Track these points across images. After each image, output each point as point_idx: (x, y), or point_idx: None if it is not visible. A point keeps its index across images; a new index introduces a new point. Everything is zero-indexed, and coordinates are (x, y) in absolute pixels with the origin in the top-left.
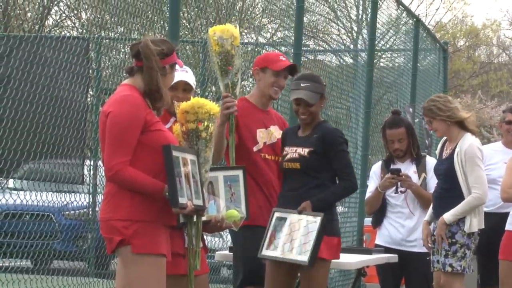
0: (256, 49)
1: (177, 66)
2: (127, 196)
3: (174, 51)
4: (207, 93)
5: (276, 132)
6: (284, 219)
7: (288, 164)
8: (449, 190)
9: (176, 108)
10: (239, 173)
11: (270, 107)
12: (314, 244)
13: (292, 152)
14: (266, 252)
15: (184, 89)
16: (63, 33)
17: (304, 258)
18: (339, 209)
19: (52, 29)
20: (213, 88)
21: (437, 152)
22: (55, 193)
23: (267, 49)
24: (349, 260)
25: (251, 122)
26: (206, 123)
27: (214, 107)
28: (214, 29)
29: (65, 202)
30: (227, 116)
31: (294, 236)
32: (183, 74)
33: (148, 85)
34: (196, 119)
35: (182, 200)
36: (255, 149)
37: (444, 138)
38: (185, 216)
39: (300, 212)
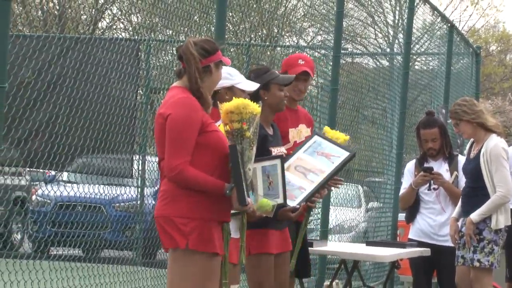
0: (297, 52)
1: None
2: (185, 194)
3: (218, 50)
4: None
5: (304, 130)
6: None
7: None
8: (476, 189)
9: (220, 108)
10: (277, 162)
11: (298, 106)
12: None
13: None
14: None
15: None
16: (115, 35)
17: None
18: (375, 204)
19: (105, 31)
20: None
21: (465, 152)
22: (105, 186)
23: (308, 51)
24: (384, 253)
25: (282, 121)
26: (249, 123)
27: (256, 108)
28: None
29: (115, 195)
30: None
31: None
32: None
33: (190, 85)
34: (240, 119)
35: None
36: (286, 147)
37: (472, 139)
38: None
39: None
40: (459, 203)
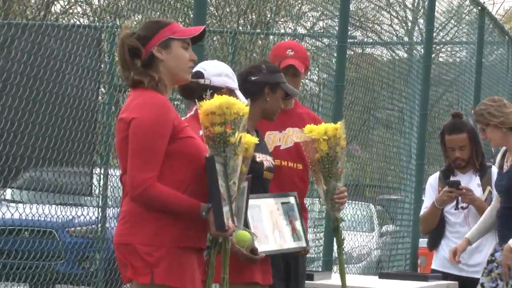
0: (295, 41)
1: None
2: (152, 216)
3: (161, 28)
4: None
5: (296, 135)
6: (258, 206)
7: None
8: None
9: (199, 108)
10: (245, 184)
11: (294, 106)
12: (302, 225)
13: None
14: (260, 247)
15: None
16: (71, 21)
17: (301, 243)
18: (390, 227)
19: (59, 17)
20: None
21: (496, 165)
22: (58, 206)
23: (307, 41)
24: (402, 287)
25: (261, 124)
26: (234, 126)
27: (243, 108)
28: (324, 128)
29: (70, 217)
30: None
31: (279, 222)
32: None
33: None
34: (224, 122)
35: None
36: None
37: (504, 148)
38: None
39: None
40: (479, 222)
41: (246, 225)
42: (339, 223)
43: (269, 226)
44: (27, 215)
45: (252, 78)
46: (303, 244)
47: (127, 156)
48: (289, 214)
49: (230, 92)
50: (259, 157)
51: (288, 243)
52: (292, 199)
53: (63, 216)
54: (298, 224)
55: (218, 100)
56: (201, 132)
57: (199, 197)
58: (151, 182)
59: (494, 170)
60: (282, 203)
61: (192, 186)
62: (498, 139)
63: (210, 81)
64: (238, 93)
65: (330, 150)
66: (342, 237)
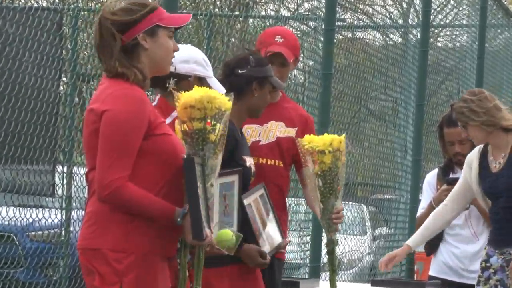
0: (277, 24)
1: None
2: (123, 219)
3: (150, 12)
4: None
5: (279, 130)
6: (250, 205)
7: None
8: None
9: (176, 100)
10: (235, 178)
11: (280, 99)
12: (275, 216)
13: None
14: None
15: None
16: (29, 3)
17: (281, 236)
18: (384, 230)
19: None
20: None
21: (474, 166)
22: (17, 207)
23: (291, 24)
24: None
25: None
26: (214, 122)
27: (226, 102)
28: (329, 140)
29: (30, 220)
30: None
31: (264, 218)
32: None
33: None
34: (204, 117)
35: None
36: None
37: (479, 147)
38: (182, 244)
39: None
40: (423, 228)
41: (243, 227)
42: (335, 245)
43: (259, 225)
44: None
45: (240, 71)
46: (281, 237)
47: (95, 151)
48: (266, 207)
49: (200, 80)
50: (248, 161)
51: (276, 239)
52: (262, 190)
53: (23, 219)
54: (272, 216)
55: (198, 92)
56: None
57: (172, 200)
58: (122, 182)
59: None
60: (260, 197)
61: (165, 188)
62: (481, 137)
63: (175, 68)
64: (212, 81)
65: (332, 165)
66: (338, 262)
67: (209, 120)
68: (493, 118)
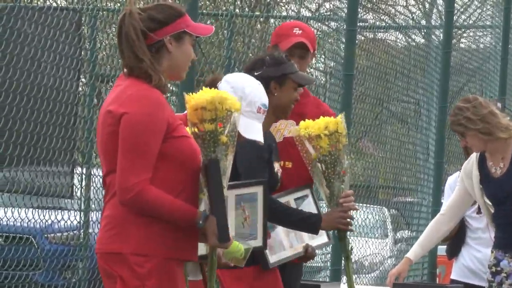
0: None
1: None
2: (143, 223)
3: (179, 17)
4: None
5: (287, 129)
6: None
7: None
8: None
9: (186, 102)
10: (259, 190)
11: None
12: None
13: None
14: (274, 258)
15: None
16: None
17: (324, 238)
18: (405, 233)
19: None
20: None
21: (474, 174)
22: (36, 209)
23: (312, 25)
24: None
25: None
26: (225, 123)
27: (235, 103)
28: (325, 122)
29: (49, 222)
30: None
31: None
32: None
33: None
34: (215, 118)
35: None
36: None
37: (474, 155)
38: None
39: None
40: (422, 239)
41: (264, 233)
42: (349, 253)
43: (283, 230)
44: (1, 220)
45: (256, 74)
46: (325, 239)
47: (113, 154)
48: (305, 209)
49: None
50: (276, 167)
51: (309, 242)
52: (307, 192)
53: (42, 221)
54: None
55: (209, 93)
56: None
57: (191, 203)
58: (145, 185)
59: None
60: (296, 199)
61: (185, 191)
62: (480, 145)
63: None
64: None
65: (331, 147)
66: (350, 247)
67: (220, 121)
68: (489, 125)
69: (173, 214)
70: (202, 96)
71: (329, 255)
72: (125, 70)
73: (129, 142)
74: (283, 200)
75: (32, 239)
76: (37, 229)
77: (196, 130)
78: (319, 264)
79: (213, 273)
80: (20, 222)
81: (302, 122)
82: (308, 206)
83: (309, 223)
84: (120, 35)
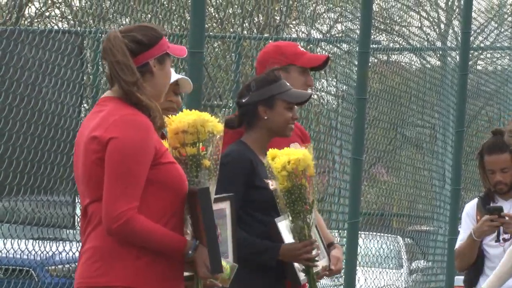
0: (309, 47)
1: None
2: (130, 255)
3: (160, 38)
4: None
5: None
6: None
7: None
8: None
9: (167, 125)
10: (226, 205)
11: None
12: (322, 242)
13: None
14: (302, 274)
15: (174, 90)
16: (48, 25)
17: (324, 262)
18: (421, 263)
19: (34, 20)
20: None
21: None
22: (36, 240)
23: (323, 47)
24: None
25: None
26: (209, 147)
27: (217, 125)
28: (281, 161)
29: (50, 253)
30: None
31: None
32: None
33: (125, 97)
34: (197, 141)
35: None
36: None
37: None
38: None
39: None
40: (501, 267)
41: (234, 250)
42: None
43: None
44: (0, 252)
45: (243, 101)
46: (325, 262)
47: (97, 182)
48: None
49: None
50: (272, 184)
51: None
52: None
53: (42, 253)
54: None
55: (190, 116)
56: None
57: (178, 233)
58: (132, 213)
59: None
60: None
61: (173, 220)
62: None
63: None
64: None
65: (292, 186)
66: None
67: (202, 145)
68: None
69: (162, 243)
70: (183, 118)
71: (342, 286)
72: (110, 93)
73: (117, 169)
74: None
75: (32, 271)
76: (37, 261)
77: (177, 154)
78: None
79: None
80: (20, 254)
81: (270, 150)
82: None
83: (266, 258)
84: (111, 63)
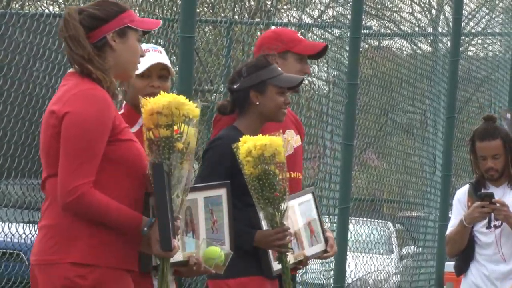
0: (300, 32)
1: (148, 46)
2: (86, 233)
3: (120, 13)
4: None
5: (293, 139)
6: None
7: None
8: None
9: (142, 106)
10: (222, 192)
11: None
12: (321, 224)
13: None
14: (276, 265)
15: (160, 75)
16: (39, 9)
17: (321, 246)
18: (411, 249)
19: (25, 4)
20: None
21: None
22: (27, 224)
23: (315, 32)
24: None
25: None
26: (184, 128)
27: (194, 109)
28: (248, 147)
29: None
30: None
31: (296, 227)
32: (156, 55)
33: (80, 70)
34: (171, 123)
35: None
36: None
37: None
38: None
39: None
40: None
41: (230, 236)
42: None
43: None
44: None
45: (235, 87)
46: (323, 246)
47: (55, 157)
48: (306, 214)
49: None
50: None
51: (307, 250)
52: (309, 196)
53: (32, 236)
54: (315, 224)
55: (166, 98)
56: (133, 129)
57: (135, 210)
58: (87, 188)
59: None
60: (300, 204)
61: (129, 196)
62: None
63: None
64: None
65: (261, 171)
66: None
67: (176, 127)
68: None
69: (118, 219)
70: (159, 100)
71: (332, 271)
72: (74, 67)
73: (72, 143)
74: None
75: (23, 255)
76: (28, 245)
77: (151, 135)
78: (322, 281)
79: (164, 285)
80: (11, 238)
81: (244, 137)
82: (310, 211)
83: (241, 243)
84: (65, 38)
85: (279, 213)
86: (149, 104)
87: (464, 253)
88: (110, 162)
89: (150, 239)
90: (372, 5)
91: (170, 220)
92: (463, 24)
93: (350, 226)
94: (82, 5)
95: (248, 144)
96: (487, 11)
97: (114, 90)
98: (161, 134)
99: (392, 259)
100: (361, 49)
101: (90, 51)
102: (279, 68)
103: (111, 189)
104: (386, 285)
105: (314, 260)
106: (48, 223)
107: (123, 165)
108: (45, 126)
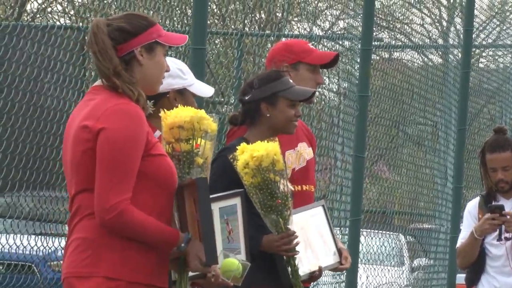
0: (310, 44)
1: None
2: (118, 246)
3: (149, 27)
4: None
5: (306, 152)
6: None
7: None
8: None
9: (163, 119)
10: (237, 201)
11: None
12: (333, 236)
13: None
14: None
15: None
16: (50, 21)
17: (335, 258)
18: (423, 261)
19: (36, 16)
20: None
21: None
22: (38, 236)
23: (325, 44)
24: None
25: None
26: (202, 142)
27: (212, 124)
28: (244, 159)
29: (52, 249)
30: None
31: (310, 238)
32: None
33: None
34: (192, 138)
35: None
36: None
37: None
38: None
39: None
40: None
41: (246, 246)
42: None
43: (300, 246)
44: (2, 247)
45: (246, 98)
46: (337, 258)
47: (86, 172)
48: (318, 227)
49: (180, 93)
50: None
51: (322, 261)
52: (320, 209)
53: (44, 248)
54: (328, 236)
55: (187, 112)
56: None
57: (170, 226)
58: (126, 205)
59: None
60: (312, 216)
61: (164, 212)
62: None
63: None
64: (195, 88)
65: (260, 181)
66: (307, 276)
67: (196, 142)
68: None
69: (155, 235)
70: (179, 114)
71: (343, 283)
72: (102, 81)
73: (109, 160)
74: (299, 216)
75: (34, 267)
76: (39, 257)
77: (171, 149)
78: None
79: None
80: (22, 250)
81: (242, 145)
82: (321, 223)
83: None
84: (93, 51)
85: (283, 220)
86: (169, 117)
87: (475, 265)
88: (144, 178)
89: (187, 254)
90: (382, 17)
91: (214, 235)
92: (474, 36)
93: (361, 238)
94: (101, 17)
95: (244, 156)
96: (498, 22)
97: (144, 104)
98: (182, 148)
99: (403, 271)
100: (372, 61)
101: (118, 64)
102: (291, 81)
103: (146, 205)
104: None
105: (326, 272)
106: (80, 236)
107: (157, 181)
108: (75, 141)
